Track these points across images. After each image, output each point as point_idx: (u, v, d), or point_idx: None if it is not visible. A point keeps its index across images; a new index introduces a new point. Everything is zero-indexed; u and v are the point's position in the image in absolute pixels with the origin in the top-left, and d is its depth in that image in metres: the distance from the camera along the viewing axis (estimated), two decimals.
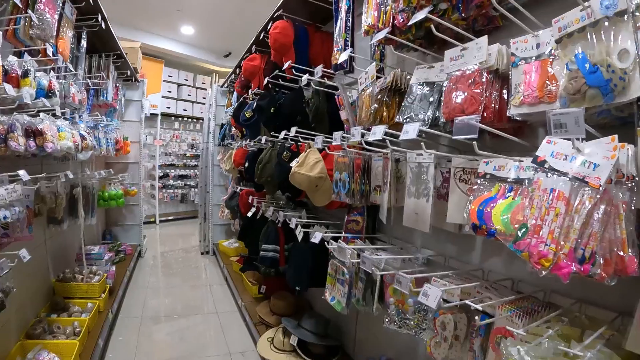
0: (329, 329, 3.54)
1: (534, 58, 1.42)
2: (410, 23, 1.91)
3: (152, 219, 10.16)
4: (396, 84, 2.20)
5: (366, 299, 2.44)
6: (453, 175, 1.83)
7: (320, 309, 3.95)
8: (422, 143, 1.75)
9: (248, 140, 4.52)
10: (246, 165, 4.23)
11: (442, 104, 1.76)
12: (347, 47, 2.67)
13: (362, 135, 2.21)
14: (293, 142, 3.31)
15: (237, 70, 6.06)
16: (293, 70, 3.26)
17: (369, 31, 2.22)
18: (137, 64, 6.42)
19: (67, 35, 3.32)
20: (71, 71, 3.41)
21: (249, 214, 4.34)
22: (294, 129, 3.05)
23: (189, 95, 11.09)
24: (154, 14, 8.49)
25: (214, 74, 10.95)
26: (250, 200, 4.43)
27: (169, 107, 10.62)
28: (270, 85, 3.90)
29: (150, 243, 8.03)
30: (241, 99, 5.13)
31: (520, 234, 1.19)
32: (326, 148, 2.86)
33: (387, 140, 2.00)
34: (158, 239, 8.94)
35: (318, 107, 3.05)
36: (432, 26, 1.79)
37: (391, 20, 2.07)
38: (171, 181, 10.97)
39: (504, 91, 1.55)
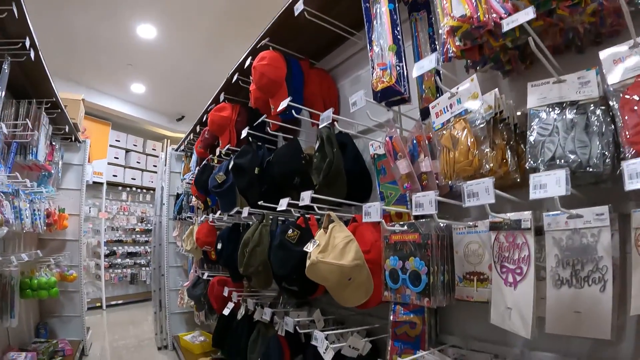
0: None
1: None
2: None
3: (98, 304, 8.86)
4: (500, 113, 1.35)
5: None
6: (635, 240, 1.16)
7: None
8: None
9: (217, 213, 3.52)
10: (219, 247, 3.23)
11: (623, 129, 1.12)
12: (400, 63, 1.77)
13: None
14: (299, 216, 2.35)
15: (193, 134, 5.14)
16: (293, 111, 2.36)
17: (461, 28, 1.33)
18: (78, 120, 5.34)
19: None
20: None
21: (226, 312, 3.27)
22: (308, 195, 2.08)
23: (138, 162, 10.06)
24: (101, 67, 7.53)
25: (166, 140, 9.91)
26: (226, 294, 3.37)
27: (115, 175, 9.52)
28: (250, 139, 2.97)
29: (96, 334, 6.67)
30: (204, 162, 4.14)
31: None
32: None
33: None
34: (106, 329, 7.52)
35: (332, 163, 2.13)
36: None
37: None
38: (119, 260, 9.66)
39: None
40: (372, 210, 1.67)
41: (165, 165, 6.40)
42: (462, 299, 1.65)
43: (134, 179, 9.93)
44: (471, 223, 1.61)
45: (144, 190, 10.28)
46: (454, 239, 1.69)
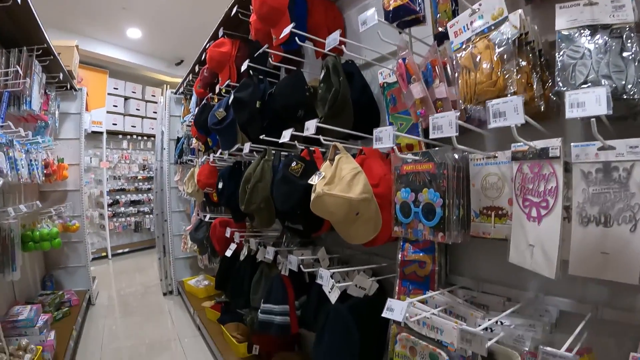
0: None
1: None
2: None
3: (104, 254, 8.84)
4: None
5: None
6: None
7: None
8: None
9: (218, 152, 3.40)
10: (220, 186, 3.12)
11: None
12: None
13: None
14: (302, 148, 2.22)
15: (192, 75, 4.96)
16: (296, 38, 2.19)
17: None
18: (72, 67, 5.14)
19: None
20: None
21: (228, 253, 3.20)
22: (313, 124, 1.95)
23: (138, 109, 9.82)
24: (95, 12, 7.14)
25: (165, 85, 9.63)
26: (228, 235, 3.29)
27: (115, 124, 9.31)
28: (251, 72, 2.80)
29: (102, 283, 6.70)
30: (204, 101, 3.98)
31: None
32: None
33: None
34: (112, 278, 7.55)
35: (338, 92, 1.99)
36: None
37: None
38: (122, 208, 9.61)
39: None
40: (384, 136, 1.53)
41: (165, 109, 6.23)
42: (477, 236, 1.54)
43: (134, 127, 9.73)
44: (491, 153, 1.48)
45: (145, 138, 10.10)
46: (471, 171, 1.55)
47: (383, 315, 1.52)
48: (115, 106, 9.36)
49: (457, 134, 1.30)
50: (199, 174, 4.00)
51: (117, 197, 9.53)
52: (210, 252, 4.23)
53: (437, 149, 1.60)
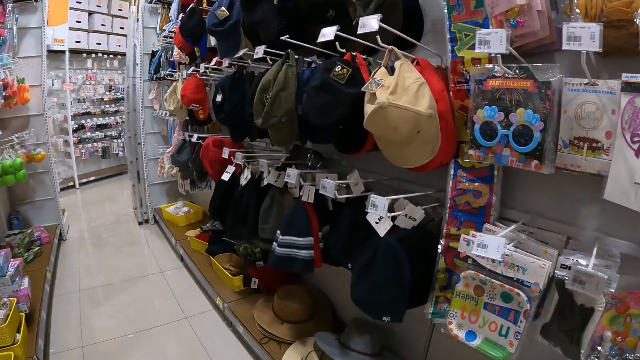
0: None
1: None
2: None
3: (71, 183, 8.28)
4: None
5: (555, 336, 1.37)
6: None
7: (346, 303, 2.65)
8: None
9: (213, 62, 2.92)
10: (218, 99, 2.67)
11: None
12: None
13: None
14: (344, 51, 1.82)
15: None
16: None
17: None
18: None
19: None
20: None
21: (225, 177, 2.79)
22: (373, 20, 1.52)
23: (103, 25, 8.88)
24: None
25: (132, 0, 8.80)
26: (226, 156, 2.85)
27: (78, 42, 8.41)
28: None
29: (72, 216, 6.21)
30: (190, 6, 3.41)
31: None
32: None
33: None
34: (81, 209, 7.04)
35: None
36: None
37: None
38: (88, 134, 8.90)
39: None
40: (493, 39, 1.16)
41: (138, 20, 5.56)
42: (564, 168, 1.36)
43: (100, 44, 8.85)
44: (592, 79, 1.25)
45: (111, 56, 9.25)
46: (564, 97, 1.33)
47: (473, 251, 1.36)
48: (79, 22, 8.42)
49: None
50: (183, 89, 3.52)
51: (82, 121, 8.81)
52: (196, 176, 3.81)
53: (540, 65, 1.31)
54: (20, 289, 3.06)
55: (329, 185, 1.80)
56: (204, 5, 3.32)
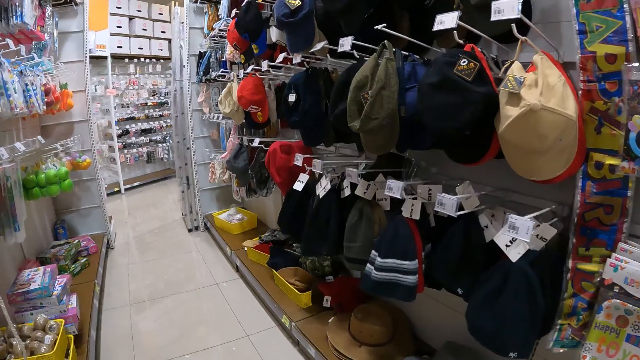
0: None
1: None
2: None
3: (116, 189, 8.21)
4: None
5: None
6: None
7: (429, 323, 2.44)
8: None
9: (280, 58, 2.63)
10: (291, 99, 2.38)
11: None
12: None
13: None
14: (463, 42, 1.49)
15: None
16: None
17: None
18: None
19: None
20: None
21: (298, 187, 2.49)
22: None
23: (145, 29, 8.81)
24: None
25: (173, 2, 8.63)
26: (299, 163, 2.56)
27: (120, 47, 8.34)
28: None
29: (119, 222, 6.08)
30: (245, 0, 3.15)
31: None
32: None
33: None
34: (127, 215, 6.92)
35: None
36: None
37: None
38: (133, 139, 8.83)
39: None
40: None
41: (183, 21, 5.34)
42: None
43: (141, 49, 8.78)
44: None
45: (154, 60, 9.16)
46: None
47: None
48: (119, 27, 8.38)
49: None
50: (240, 90, 3.26)
51: (127, 126, 8.76)
52: (255, 183, 3.53)
53: None
54: (68, 308, 2.85)
55: (448, 202, 1.48)
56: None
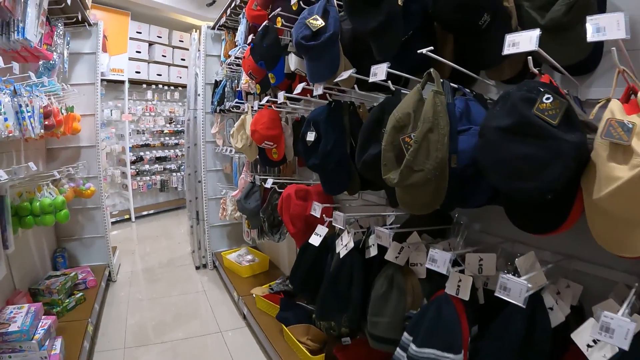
0: None
1: None
2: None
3: (127, 216, 7.92)
4: None
5: None
6: None
7: None
8: None
9: (299, 88, 2.29)
10: (310, 137, 2.01)
11: None
12: None
13: None
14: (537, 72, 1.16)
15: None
16: None
17: None
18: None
19: None
20: None
21: (315, 241, 2.11)
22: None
23: (164, 56, 8.65)
24: None
25: (194, 30, 8.49)
26: (317, 213, 2.18)
27: (138, 72, 8.18)
28: None
29: (126, 251, 5.78)
30: (264, 25, 2.83)
31: None
32: None
33: None
34: (136, 244, 6.60)
35: None
36: None
37: None
38: (147, 166, 8.59)
39: None
40: None
41: (200, 48, 5.09)
42: None
43: (160, 75, 8.61)
44: None
45: (172, 87, 8.96)
46: None
47: None
48: (139, 52, 8.22)
49: None
50: (254, 123, 2.93)
51: (141, 153, 8.52)
52: (267, 227, 3.16)
53: None
54: (50, 355, 2.54)
55: (515, 287, 1.09)
56: (279, 24, 2.74)
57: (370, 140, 1.56)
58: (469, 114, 1.36)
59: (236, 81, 4.17)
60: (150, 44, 8.49)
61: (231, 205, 4.54)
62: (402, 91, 1.61)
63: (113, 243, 4.84)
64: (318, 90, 1.96)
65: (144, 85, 8.49)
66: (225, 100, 4.32)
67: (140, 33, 8.24)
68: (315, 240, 2.08)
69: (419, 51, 1.33)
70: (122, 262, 5.33)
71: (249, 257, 4.66)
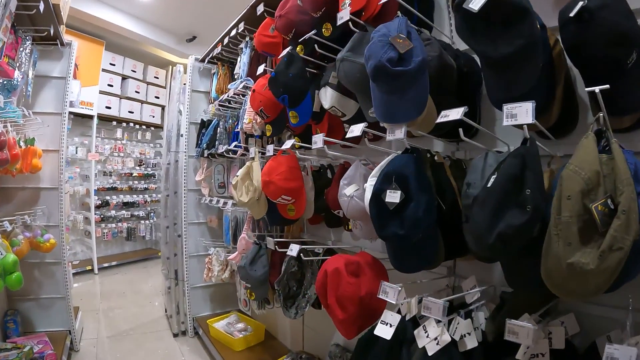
0: None
1: None
2: None
3: (89, 267, 7.10)
4: None
5: None
6: None
7: None
8: None
9: (357, 128, 1.72)
10: (392, 200, 1.42)
11: None
12: None
13: None
14: None
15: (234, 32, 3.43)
16: None
17: None
18: (60, 4, 3.46)
19: None
20: None
21: (385, 334, 1.51)
22: None
23: (137, 92, 8.11)
24: None
25: (171, 67, 7.95)
26: (394, 299, 1.54)
27: (109, 107, 7.60)
28: None
29: (88, 311, 4.98)
30: (286, 51, 2.31)
31: None
32: None
33: None
34: (100, 302, 5.74)
35: None
36: None
37: None
38: (113, 212, 7.87)
39: None
40: None
41: (185, 82, 4.53)
42: None
43: (132, 112, 8.03)
44: None
45: (144, 127, 8.36)
46: None
47: None
48: (111, 85, 7.68)
49: None
50: (267, 173, 2.35)
51: (107, 197, 7.82)
52: (282, 301, 2.52)
53: None
54: None
55: None
56: (301, 52, 2.24)
57: (507, 206, 1.04)
58: (637, 172, 1.00)
59: (232, 121, 3.62)
60: (124, 77, 7.99)
61: (218, 265, 3.92)
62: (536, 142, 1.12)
63: (74, 299, 4.06)
64: (398, 134, 1.39)
65: (114, 123, 7.95)
66: (217, 142, 3.74)
67: (114, 65, 7.75)
68: (384, 332, 1.48)
69: (587, 89, 0.88)
70: (84, 326, 4.54)
71: (240, 325, 3.98)
